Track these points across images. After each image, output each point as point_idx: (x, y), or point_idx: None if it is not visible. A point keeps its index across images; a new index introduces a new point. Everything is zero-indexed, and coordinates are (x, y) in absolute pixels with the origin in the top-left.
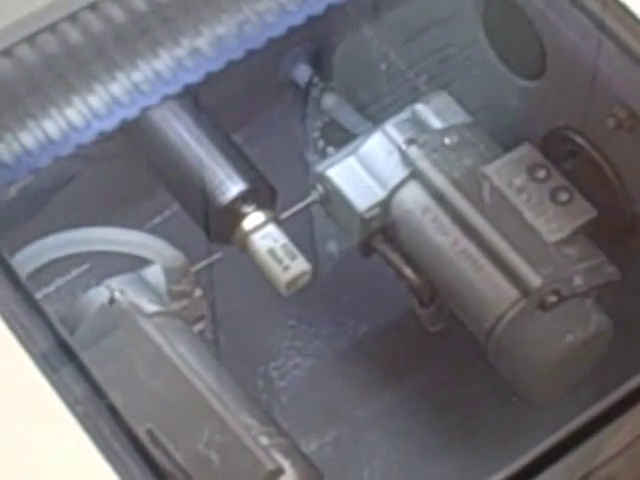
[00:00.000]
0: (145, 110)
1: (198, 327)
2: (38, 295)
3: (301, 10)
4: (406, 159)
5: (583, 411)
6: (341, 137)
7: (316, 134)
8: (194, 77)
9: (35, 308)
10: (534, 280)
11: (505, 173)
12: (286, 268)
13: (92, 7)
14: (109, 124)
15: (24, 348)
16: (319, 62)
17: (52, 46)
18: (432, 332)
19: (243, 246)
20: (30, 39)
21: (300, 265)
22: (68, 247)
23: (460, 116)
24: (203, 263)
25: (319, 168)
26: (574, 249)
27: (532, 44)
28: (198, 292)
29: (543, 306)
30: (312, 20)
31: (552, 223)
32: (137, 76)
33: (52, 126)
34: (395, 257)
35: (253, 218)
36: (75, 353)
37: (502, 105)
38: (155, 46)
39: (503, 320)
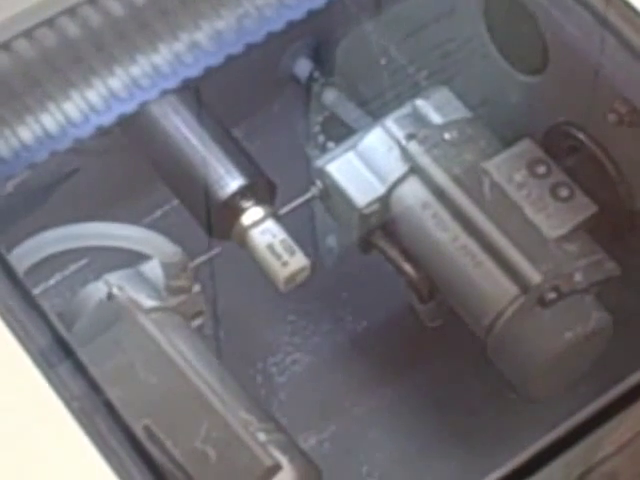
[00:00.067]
0: (143, 105)
1: (196, 323)
2: (37, 290)
3: (301, 4)
4: (406, 154)
5: (582, 408)
6: (342, 132)
7: (316, 129)
8: (193, 71)
9: (32, 304)
10: (534, 276)
11: (505, 169)
12: (285, 264)
13: (90, 1)
14: (107, 119)
15: (21, 344)
16: (320, 57)
17: (50, 40)
18: (431, 328)
19: (242, 241)
20: (28, 33)
21: (299, 261)
22: (66, 242)
23: (460, 111)
24: (202, 258)
25: (318, 163)
26: (574, 245)
27: (533, 39)
28: (196, 288)
29: (543, 302)
30: (312, 14)
31: (552, 219)
32: (136, 70)
33: (50, 121)
34: (394, 253)
35: (252, 213)
36: (72, 349)
37: (503, 100)
38: (154, 40)
39: (503, 316)
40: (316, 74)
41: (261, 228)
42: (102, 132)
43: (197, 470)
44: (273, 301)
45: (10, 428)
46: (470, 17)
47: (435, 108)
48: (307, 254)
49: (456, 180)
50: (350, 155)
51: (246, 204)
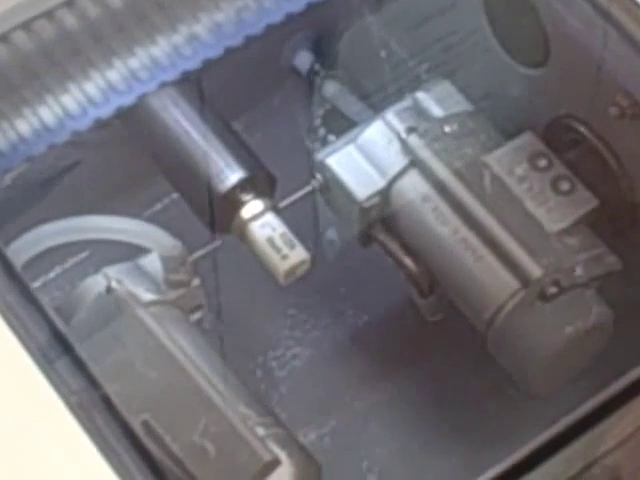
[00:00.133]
0: (142, 97)
1: (195, 316)
2: (37, 283)
3: None
4: (406, 148)
5: (583, 403)
6: (342, 125)
7: (317, 122)
8: (192, 64)
9: (30, 298)
10: (534, 270)
11: (506, 162)
12: (285, 257)
13: None
14: (106, 111)
15: (18, 339)
16: (320, 49)
17: (48, 32)
18: (432, 322)
19: (241, 235)
20: (26, 25)
21: (299, 254)
22: (65, 235)
23: (461, 104)
24: (201, 252)
25: (318, 156)
26: (575, 239)
27: (535, 32)
28: (196, 281)
29: (543, 297)
30: (312, 7)
31: (553, 213)
32: (134, 63)
33: (48, 113)
34: (394, 246)
35: (252, 206)
36: (70, 344)
37: (504, 93)
38: (152, 33)
39: (503, 310)
40: (317, 67)
41: (261, 221)
42: (101, 125)
43: (196, 465)
44: (273, 295)
45: (7, 423)
46: (471, 10)
47: (436, 101)
48: (307, 247)
49: (456, 174)
50: (350, 148)
51: (246, 197)
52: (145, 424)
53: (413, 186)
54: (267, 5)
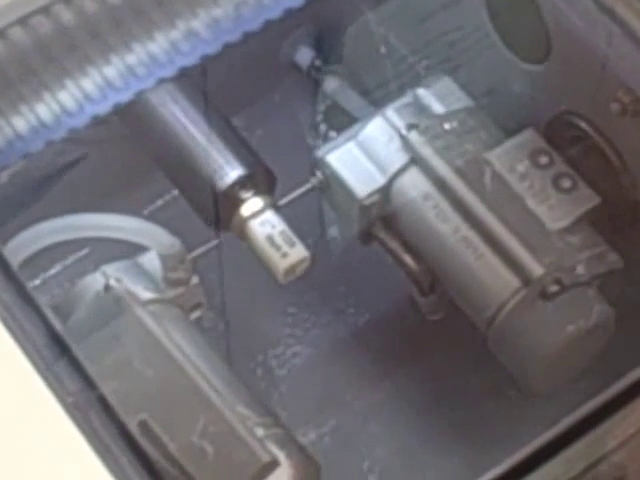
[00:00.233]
0: (140, 94)
1: (195, 315)
2: (36, 280)
3: None
4: (407, 145)
5: (584, 403)
6: (344, 121)
7: (318, 118)
8: (190, 60)
9: (26, 298)
10: (535, 269)
11: (507, 159)
12: (284, 255)
13: None
14: (103, 108)
15: (14, 339)
16: (321, 45)
17: (45, 28)
18: (432, 321)
19: (241, 232)
20: (23, 21)
21: (299, 252)
22: (63, 233)
23: (462, 101)
24: (200, 250)
25: (318, 153)
26: (577, 237)
27: (536, 28)
28: (195, 279)
29: (544, 295)
30: (312, 2)
31: (555, 210)
32: (132, 59)
33: (45, 110)
34: (395, 245)
35: (251, 204)
36: (67, 344)
37: (506, 90)
38: (150, 28)
39: (504, 309)
40: (317, 62)
41: (260, 219)
42: (100, 121)
43: (194, 465)
44: (273, 293)
45: (3, 423)
46: (473, 6)
47: (437, 98)
48: (307, 245)
49: (457, 171)
50: (350, 145)
51: (245, 195)
52: (143, 424)
53: (414, 183)
54: (266, 1)
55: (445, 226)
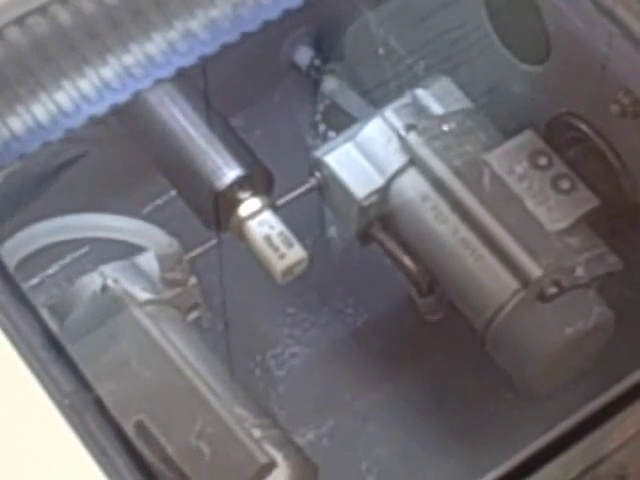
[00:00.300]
0: (137, 95)
1: (192, 316)
2: (35, 279)
3: None
4: (405, 145)
5: (583, 405)
6: (343, 121)
7: (317, 118)
8: (187, 61)
9: (22, 299)
10: (534, 270)
11: (506, 160)
12: (282, 256)
13: None
14: (100, 109)
15: (10, 340)
16: (321, 45)
17: (42, 28)
18: (431, 321)
19: (239, 233)
20: (20, 21)
21: (297, 253)
22: (61, 233)
23: (461, 102)
24: (198, 250)
25: (317, 154)
26: (576, 239)
27: (536, 28)
28: (192, 280)
29: (543, 297)
30: (311, 2)
31: (554, 212)
32: (129, 59)
33: (41, 110)
34: (393, 246)
35: (249, 204)
36: (62, 345)
37: (505, 90)
38: (148, 29)
39: (502, 311)
40: (317, 62)
41: (258, 219)
42: (98, 121)
43: (191, 467)
44: (272, 293)
45: None
46: (472, 5)
47: (436, 98)
48: (305, 246)
49: (456, 172)
50: (349, 146)
51: (243, 195)
52: (140, 425)
53: (412, 184)
54: (264, 1)
55: (444, 227)
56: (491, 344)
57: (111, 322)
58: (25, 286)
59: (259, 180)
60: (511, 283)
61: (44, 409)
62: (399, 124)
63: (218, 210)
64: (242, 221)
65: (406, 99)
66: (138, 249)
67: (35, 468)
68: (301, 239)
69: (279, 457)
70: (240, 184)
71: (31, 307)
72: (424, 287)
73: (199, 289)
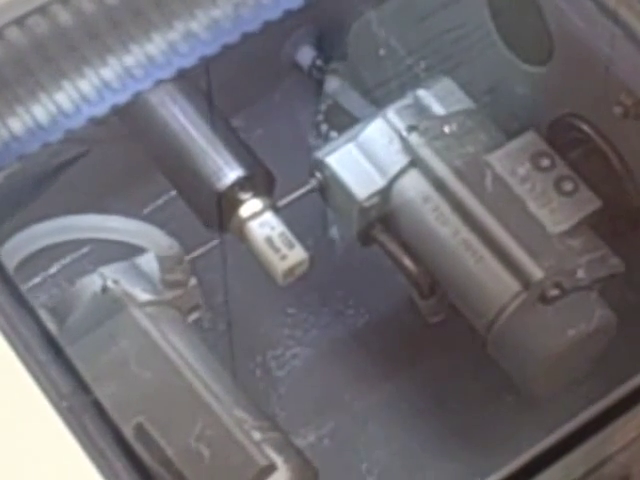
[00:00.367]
0: (137, 95)
1: (193, 317)
2: (36, 279)
3: None
4: (407, 146)
5: (585, 407)
6: (345, 121)
7: (319, 118)
8: (188, 61)
9: (20, 300)
10: (535, 272)
11: (508, 161)
12: (283, 257)
13: None
14: (100, 109)
15: (8, 342)
16: (323, 44)
17: (42, 28)
18: (432, 323)
19: (240, 234)
20: (20, 21)
21: (298, 254)
22: (60, 234)
23: (463, 102)
24: (198, 251)
25: (318, 155)
26: (578, 241)
27: (538, 29)
28: (193, 281)
29: (544, 299)
30: (312, 2)
31: (556, 214)
32: (129, 60)
33: (41, 111)
34: (394, 247)
35: (250, 205)
36: (61, 347)
37: (507, 91)
38: (148, 29)
39: (504, 313)
40: (319, 62)
41: (259, 220)
42: (98, 122)
43: (190, 469)
44: (273, 294)
45: None
46: (474, 5)
47: (437, 99)
48: (307, 247)
49: (458, 173)
50: (350, 146)
51: (244, 196)
52: (139, 427)
53: (414, 186)
54: (265, 1)
55: (445, 229)
56: (492, 346)
57: (111, 323)
58: (26, 286)
59: (260, 181)
60: (512, 285)
61: (42, 411)
62: (401, 125)
63: (221, 211)
64: (243, 222)
65: (408, 100)
66: (139, 249)
67: (33, 471)
68: (302, 240)
69: (279, 460)
70: (241, 185)
71: (30, 309)
72: (425, 288)
73: (199, 290)
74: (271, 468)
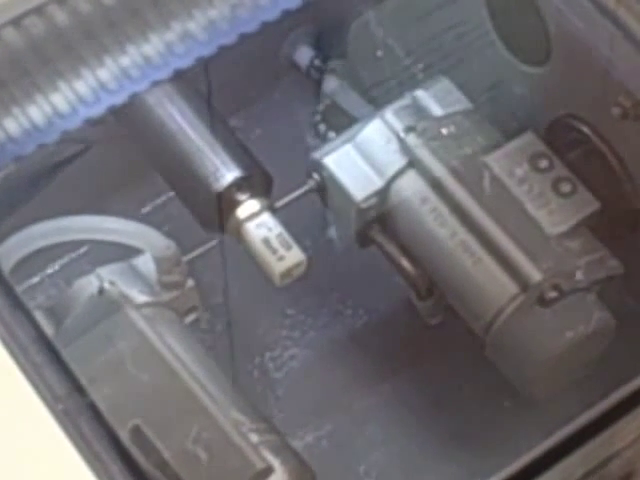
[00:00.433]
0: (133, 96)
1: (190, 318)
2: (34, 279)
3: None
4: (405, 147)
5: (585, 410)
6: (343, 121)
7: (317, 118)
8: (185, 62)
9: (16, 302)
10: (533, 274)
11: (506, 162)
12: (281, 258)
13: None
14: (96, 111)
15: (3, 344)
16: (321, 44)
17: (39, 29)
18: (430, 325)
19: (237, 235)
20: (16, 21)
21: (295, 255)
22: (57, 235)
23: (461, 103)
24: (196, 252)
25: (316, 155)
26: (576, 242)
27: (537, 29)
28: (190, 283)
29: (543, 301)
30: (310, 2)
31: (554, 215)
32: (126, 61)
33: (37, 112)
34: (392, 248)
35: (248, 206)
36: (57, 349)
37: (506, 92)
38: (145, 30)
39: (502, 315)
40: (317, 62)
41: (257, 221)
42: (97, 122)
43: (187, 472)
44: (270, 295)
45: None
46: (473, 5)
47: (435, 99)
48: (304, 247)
49: (455, 174)
50: (348, 147)
51: (242, 197)
52: (136, 429)
53: (411, 187)
54: (262, 2)
55: (443, 230)
56: (490, 348)
57: (107, 325)
58: (23, 286)
59: (258, 182)
60: (510, 287)
61: (37, 414)
62: (399, 126)
63: (221, 211)
64: (240, 223)
65: (406, 100)
66: (137, 248)
67: (28, 474)
68: (300, 241)
69: (276, 462)
70: (238, 186)
71: (25, 310)
72: (423, 290)
73: (197, 291)
74: (268, 471)
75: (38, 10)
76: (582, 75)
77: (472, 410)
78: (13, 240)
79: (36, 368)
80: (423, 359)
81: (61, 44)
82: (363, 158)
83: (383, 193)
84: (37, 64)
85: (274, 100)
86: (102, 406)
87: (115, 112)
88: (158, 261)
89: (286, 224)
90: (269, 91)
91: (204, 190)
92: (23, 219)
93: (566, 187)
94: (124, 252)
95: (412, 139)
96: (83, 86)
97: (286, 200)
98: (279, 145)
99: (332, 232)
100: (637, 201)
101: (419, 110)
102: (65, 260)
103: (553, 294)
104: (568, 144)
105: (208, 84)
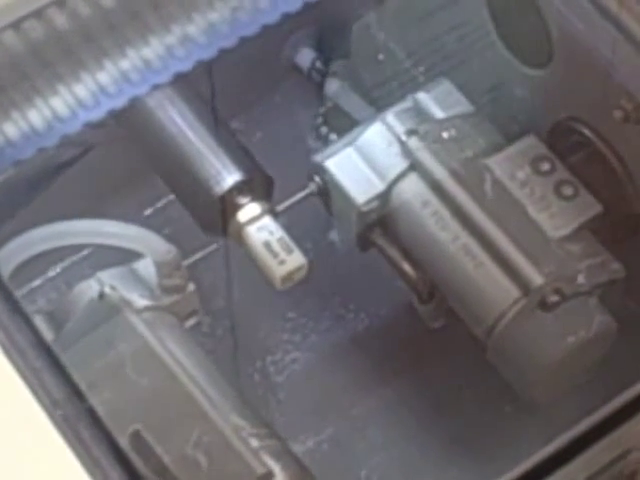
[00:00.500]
0: (133, 100)
1: (190, 322)
2: (36, 282)
3: None
4: (406, 150)
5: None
6: (345, 123)
7: (319, 120)
8: (185, 65)
9: (15, 307)
10: (535, 278)
11: (508, 165)
12: (282, 262)
13: None
14: (96, 114)
15: (2, 349)
16: (322, 46)
17: (38, 32)
18: (432, 328)
19: (238, 238)
20: (16, 25)
21: (296, 259)
22: (58, 239)
23: (462, 105)
24: (196, 256)
25: (317, 158)
26: (578, 246)
27: (538, 31)
28: (191, 287)
29: (544, 305)
30: (311, 4)
31: (556, 218)
32: (126, 64)
33: (37, 116)
34: (393, 252)
35: (249, 210)
36: (56, 354)
37: (507, 94)
38: (145, 33)
39: (503, 319)
40: (318, 64)
41: (258, 225)
42: (97, 125)
43: (187, 477)
44: (272, 299)
45: None
46: (474, 7)
47: (437, 102)
48: (305, 251)
49: (457, 177)
50: (349, 150)
51: (243, 200)
52: (136, 434)
53: (413, 190)
54: (262, 5)
55: (444, 233)
56: (492, 352)
57: (107, 329)
58: (24, 289)
59: (259, 185)
60: (512, 291)
61: (36, 419)
62: (400, 129)
63: (225, 214)
64: (241, 226)
65: (407, 103)
66: (138, 252)
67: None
68: (301, 244)
69: (277, 467)
70: (239, 189)
71: (24, 315)
72: (424, 294)
73: (197, 295)
74: (269, 476)
75: (38, 13)
76: (584, 77)
77: (473, 414)
78: (13, 244)
79: (35, 373)
80: (424, 363)
81: (61, 48)
82: (364, 161)
83: (384, 196)
84: (37, 68)
85: (275, 103)
86: (102, 411)
87: (116, 115)
88: (159, 265)
89: (287, 227)
90: (270, 94)
91: (205, 193)
92: (23, 223)
93: (568, 190)
94: (124, 256)
95: (413, 142)
96: (83, 90)
97: (287, 203)
98: (280, 148)
99: (333, 235)
100: (639, 204)
101: (420, 112)
102: (66, 264)
103: (555, 298)
104: (570, 147)
105: (211, 87)
